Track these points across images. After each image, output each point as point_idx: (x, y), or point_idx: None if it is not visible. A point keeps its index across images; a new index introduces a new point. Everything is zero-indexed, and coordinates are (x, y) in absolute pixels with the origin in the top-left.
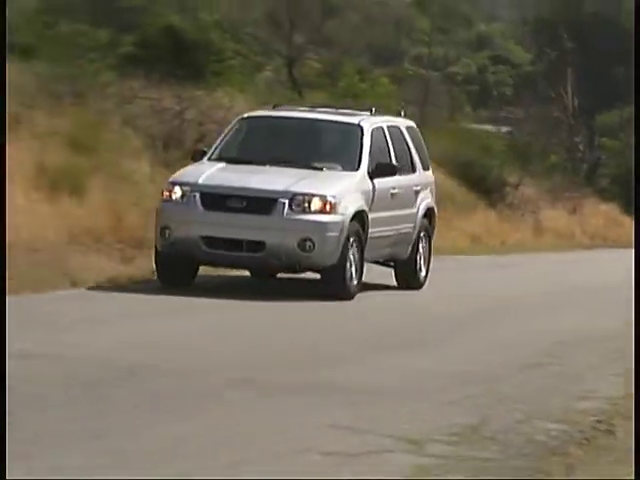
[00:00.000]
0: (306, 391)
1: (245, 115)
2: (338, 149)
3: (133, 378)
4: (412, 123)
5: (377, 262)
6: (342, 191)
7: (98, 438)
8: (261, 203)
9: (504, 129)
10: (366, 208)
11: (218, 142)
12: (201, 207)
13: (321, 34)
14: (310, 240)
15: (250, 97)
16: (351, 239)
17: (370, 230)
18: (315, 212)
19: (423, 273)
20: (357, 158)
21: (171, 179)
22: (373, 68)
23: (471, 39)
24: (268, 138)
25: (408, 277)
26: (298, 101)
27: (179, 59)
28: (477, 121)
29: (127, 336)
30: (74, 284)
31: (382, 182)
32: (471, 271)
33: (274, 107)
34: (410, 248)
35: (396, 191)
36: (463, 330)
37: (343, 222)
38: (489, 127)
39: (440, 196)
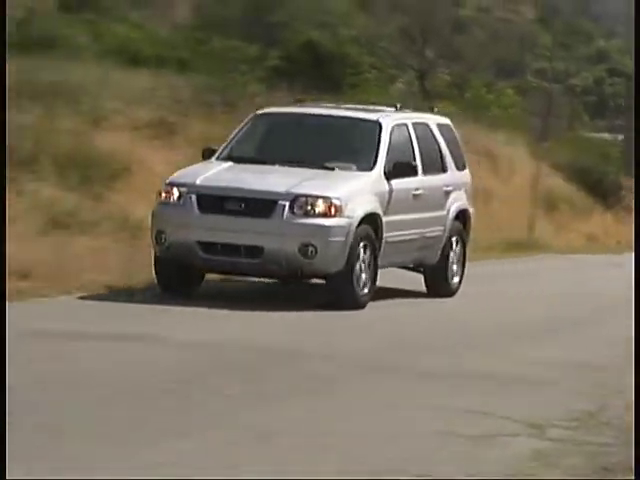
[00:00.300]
0: (445, 377)
1: (259, 111)
2: (354, 148)
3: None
4: (446, 120)
5: (406, 267)
6: (350, 193)
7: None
8: (260, 205)
9: (620, 137)
10: (380, 210)
11: (229, 140)
12: (197, 210)
13: (450, 49)
14: (312, 245)
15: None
16: (361, 244)
17: (386, 234)
18: (318, 215)
19: (456, 280)
20: (373, 157)
21: (169, 179)
22: (498, 81)
23: (590, 54)
24: (281, 136)
25: (438, 284)
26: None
27: (319, 72)
28: (594, 130)
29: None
30: None
31: (401, 183)
32: (587, 270)
33: (296, 102)
34: (439, 253)
35: (420, 192)
36: (585, 326)
37: (349, 226)
38: (606, 135)
39: (559, 200)
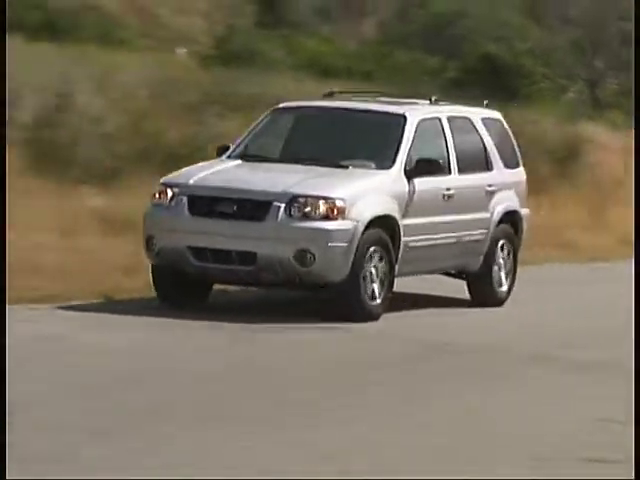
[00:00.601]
0: (590, 369)
1: (278, 106)
2: (376, 144)
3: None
4: (494, 115)
5: (449, 274)
6: (357, 193)
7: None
8: (253, 207)
9: None
10: (396, 213)
11: (243, 137)
12: (188, 212)
13: (619, 60)
14: (309, 251)
15: (554, 116)
16: (371, 249)
17: (406, 238)
18: (319, 218)
19: (504, 288)
20: (392, 154)
21: (163, 179)
22: None
23: None
24: (299, 132)
25: (482, 292)
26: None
27: (496, 83)
28: None
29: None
30: None
31: (428, 182)
32: None
33: (325, 96)
34: (482, 259)
35: (452, 192)
36: None
37: (355, 230)
38: None
39: None
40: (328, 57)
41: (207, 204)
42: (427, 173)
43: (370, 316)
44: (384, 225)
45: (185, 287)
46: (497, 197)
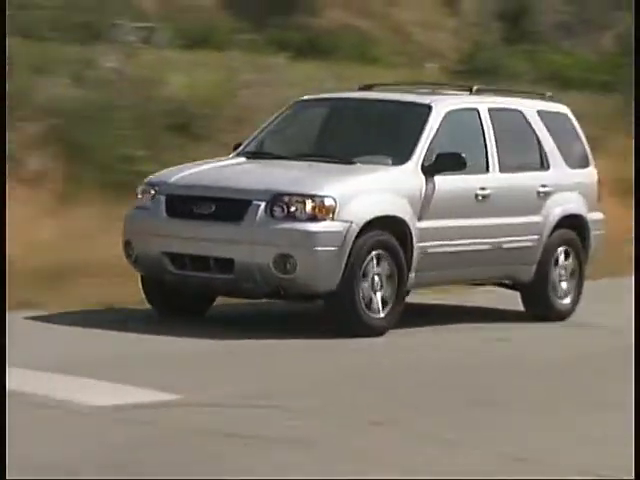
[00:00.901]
0: None
1: (299, 98)
2: (394, 137)
3: None
4: (559, 108)
5: (501, 284)
6: (352, 191)
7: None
8: (232, 207)
9: None
10: (406, 213)
11: (256, 132)
12: (165, 214)
13: None
14: (290, 257)
15: None
16: (372, 254)
17: (422, 244)
18: (304, 218)
19: (567, 301)
20: (410, 148)
21: (147, 178)
22: None
23: None
24: (316, 126)
25: (537, 305)
26: None
27: None
28: None
29: None
30: None
31: (455, 180)
32: None
33: (361, 89)
34: (534, 268)
35: (488, 192)
36: None
37: (347, 232)
38: None
39: None
40: (568, 69)
41: (185, 204)
42: (449, 169)
43: (371, 330)
44: (390, 227)
45: (179, 298)
46: (554, 199)
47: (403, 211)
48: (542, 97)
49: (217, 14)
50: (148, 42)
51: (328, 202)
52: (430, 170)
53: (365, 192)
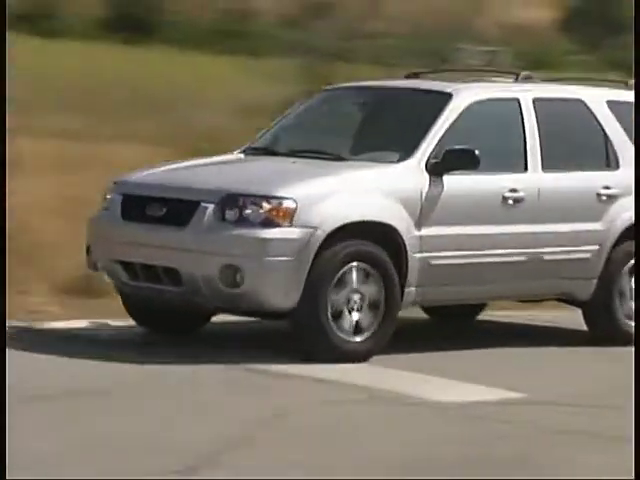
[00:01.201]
0: None
1: (324, 87)
2: (407, 130)
3: None
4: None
5: (561, 299)
6: (321, 191)
7: None
8: (180, 209)
9: None
10: (398, 219)
11: (272, 125)
12: (120, 217)
13: None
14: (237, 268)
15: None
16: (349, 266)
17: (424, 254)
18: (257, 223)
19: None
20: (414, 143)
21: (116, 178)
22: None
23: None
24: (328, 119)
25: (601, 325)
26: None
27: None
28: None
29: None
30: None
31: (472, 180)
32: None
33: (407, 77)
34: (594, 283)
35: (521, 195)
36: None
37: (308, 240)
38: None
39: None
40: None
41: (139, 206)
42: (459, 168)
43: (345, 355)
44: (374, 235)
45: (161, 312)
46: (620, 204)
47: (393, 216)
48: (624, 85)
49: (553, 35)
50: (491, 65)
51: (288, 204)
52: (437, 169)
53: (342, 193)
